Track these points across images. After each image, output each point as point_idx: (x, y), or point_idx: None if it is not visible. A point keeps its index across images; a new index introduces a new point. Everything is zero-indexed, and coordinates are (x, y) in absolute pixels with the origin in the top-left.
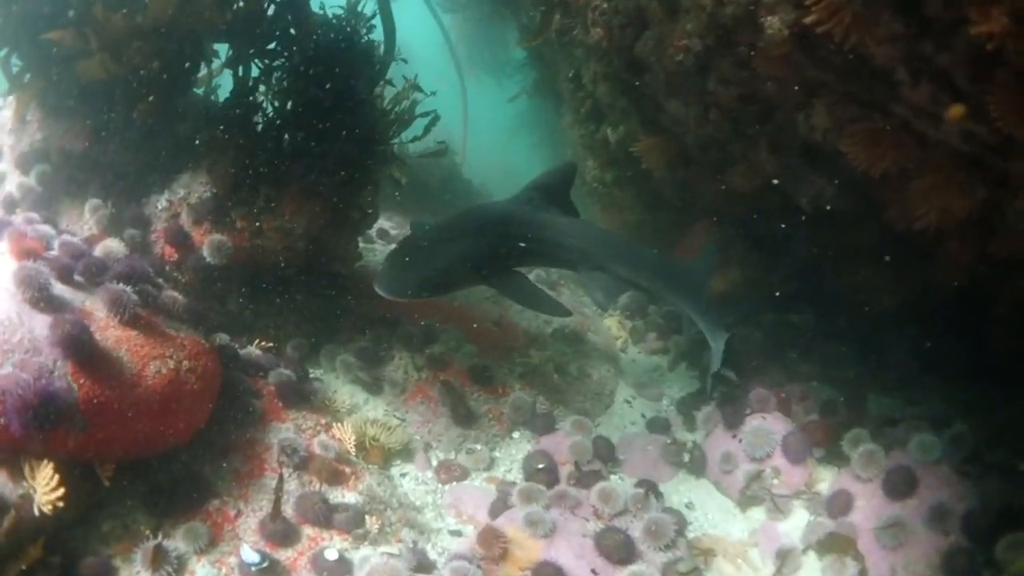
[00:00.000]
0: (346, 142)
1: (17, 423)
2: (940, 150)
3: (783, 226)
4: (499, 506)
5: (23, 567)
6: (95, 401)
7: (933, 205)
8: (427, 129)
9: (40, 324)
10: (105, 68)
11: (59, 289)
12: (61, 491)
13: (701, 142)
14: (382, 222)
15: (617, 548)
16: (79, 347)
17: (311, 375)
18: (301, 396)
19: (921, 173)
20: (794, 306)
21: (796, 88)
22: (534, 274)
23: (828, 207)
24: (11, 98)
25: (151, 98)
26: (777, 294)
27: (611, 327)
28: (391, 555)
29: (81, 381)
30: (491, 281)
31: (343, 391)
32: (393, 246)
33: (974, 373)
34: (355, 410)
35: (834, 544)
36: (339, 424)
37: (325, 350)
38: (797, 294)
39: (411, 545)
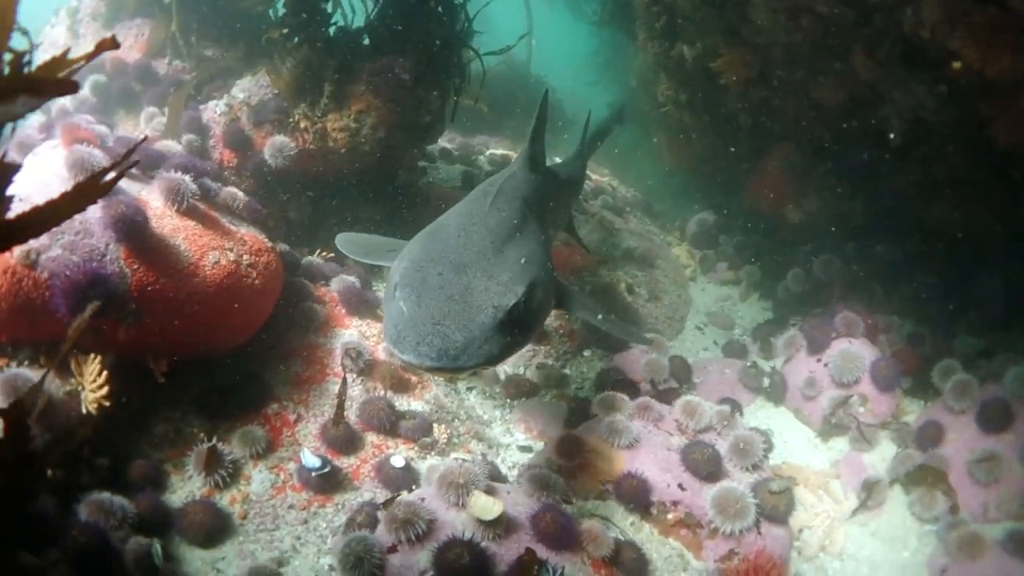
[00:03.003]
0: (427, 39)
1: (64, 307)
2: None
3: (865, 155)
4: (575, 419)
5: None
6: (149, 288)
7: None
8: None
9: (92, 207)
10: None
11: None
12: (107, 388)
13: (787, 54)
14: (443, 143)
15: (706, 463)
16: (133, 229)
17: (374, 287)
18: (365, 304)
19: None
20: (875, 239)
21: None
22: (600, 199)
23: (923, 124)
24: (62, 13)
25: None
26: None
27: (680, 256)
28: (464, 460)
29: (135, 267)
30: (571, 306)
31: None
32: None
33: None
34: None
35: (923, 477)
36: None
37: None
38: (878, 226)
39: (481, 457)
